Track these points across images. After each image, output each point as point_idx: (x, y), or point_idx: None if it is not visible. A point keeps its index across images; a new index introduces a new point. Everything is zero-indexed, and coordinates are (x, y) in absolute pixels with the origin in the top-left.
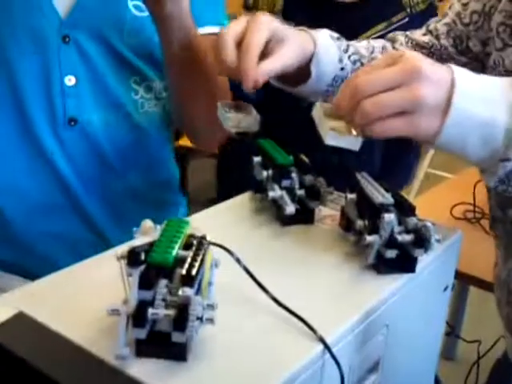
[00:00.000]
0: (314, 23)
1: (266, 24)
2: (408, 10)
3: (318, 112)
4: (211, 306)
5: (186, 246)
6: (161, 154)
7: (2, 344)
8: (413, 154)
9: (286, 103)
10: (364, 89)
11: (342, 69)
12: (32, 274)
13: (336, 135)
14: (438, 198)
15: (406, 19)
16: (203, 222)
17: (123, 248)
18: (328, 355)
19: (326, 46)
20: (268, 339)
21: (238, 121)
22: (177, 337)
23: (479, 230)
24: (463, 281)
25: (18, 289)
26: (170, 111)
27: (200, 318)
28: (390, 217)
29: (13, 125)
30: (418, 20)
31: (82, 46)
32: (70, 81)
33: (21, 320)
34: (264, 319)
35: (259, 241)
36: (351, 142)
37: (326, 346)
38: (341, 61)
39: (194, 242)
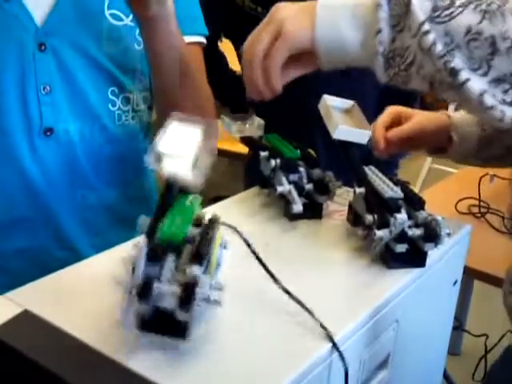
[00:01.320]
0: None
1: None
2: None
3: (324, 106)
4: (219, 287)
5: (196, 224)
6: (137, 168)
7: (6, 342)
8: None
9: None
10: (248, 52)
11: (484, 130)
12: None
13: (345, 130)
14: (443, 192)
15: None
16: None
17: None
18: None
19: (458, 114)
20: (277, 335)
21: (242, 130)
22: (181, 315)
23: (484, 224)
24: (468, 275)
25: (23, 287)
26: (148, 123)
27: (207, 299)
28: (402, 217)
29: None
30: None
31: (59, 55)
32: (45, 89)
33: (25, 318)
34: (274, 315)
35: (268, 236)
36: (359, 135)
37: (334, 344)
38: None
39: (205, 221)
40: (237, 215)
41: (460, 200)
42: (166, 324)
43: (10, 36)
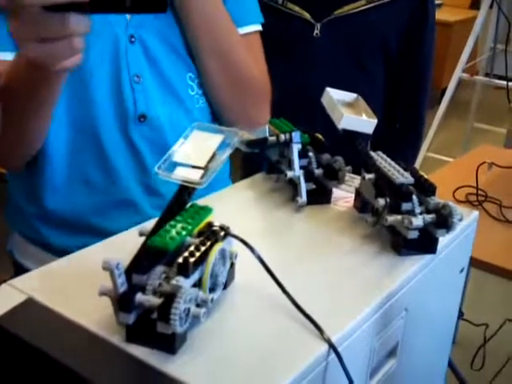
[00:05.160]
0: None
1: None
2: None
3: (328, 98)
4: (204, 302)
5: (200, 234)
6: None
7: (10, 330)
8: (409, 136)
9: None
10: None
11: None
12: None
13: (351, 119)
14: (440, 181)
15: None
16: (217, 204)
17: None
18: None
19: None
20: (276, 336)
21: (243, 136)
22: (162, 327)
23: (482, 212)
24: None
25: (27, 274)
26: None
27: (186, 313)
28: (418, 223)
29: (80, 122)
30: (404, 4)
31: (145, 44)
32: (137, 78)
33: (30, 306)
34: (276, 315)
35: (275, 223)
36: (365, 124)
37: (335, 350)
38: None
39: (207, 231)
40: (244, 201)
41: (457, 188)
42: (152, 336)
43: (106, 32)
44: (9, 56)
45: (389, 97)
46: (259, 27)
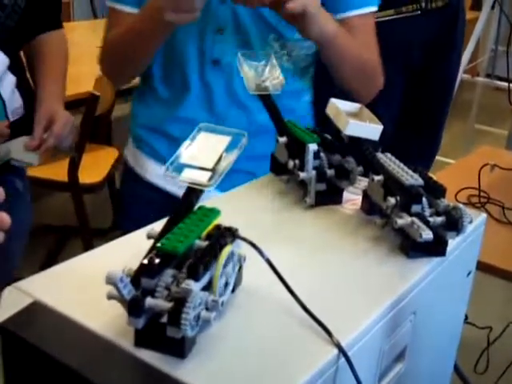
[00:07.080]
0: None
1: None
2: (423, 3)
3: (333, 108)
4: (211, 307)
5: (209, 237)
6: (291, 104)
7: (17, 333)
8: (426, 138)
9: None
10: None
11: None
12: None
13: (356, 125)
14: (442, 183)
15: (418, 12)
16: (227, 205)
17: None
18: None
19: None
20: (287, 341)
21: (260, 74)
22: (172, 331)
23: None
24: None
25: (32, 277)
26: (305, 67)
27: (197, 317)
28: (428, 234)
29: (171, 58)
30: (434, 17)
31: (233, 6)
32: (219, 31)
33: (36, 309)
34: (284, 318)
35: (283, 225)
36: (371, 130)
37: (345, 355)
38: None
39: (216, 234)
40: (253, 202)
41: (459, 190)
42: (161, 340)
43: None
44: (128, 9)
45: (406, 106)
46: (376, 8)
